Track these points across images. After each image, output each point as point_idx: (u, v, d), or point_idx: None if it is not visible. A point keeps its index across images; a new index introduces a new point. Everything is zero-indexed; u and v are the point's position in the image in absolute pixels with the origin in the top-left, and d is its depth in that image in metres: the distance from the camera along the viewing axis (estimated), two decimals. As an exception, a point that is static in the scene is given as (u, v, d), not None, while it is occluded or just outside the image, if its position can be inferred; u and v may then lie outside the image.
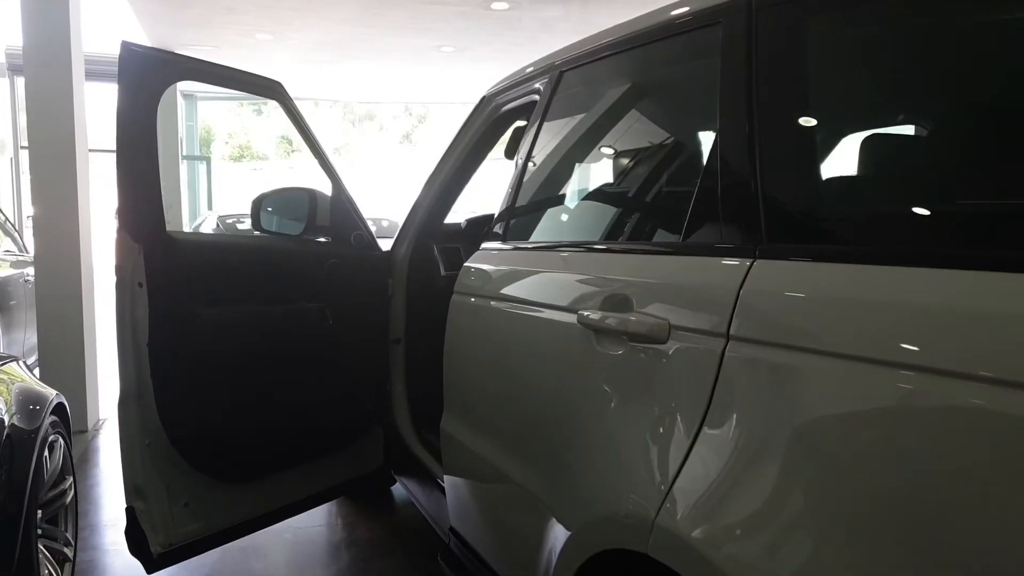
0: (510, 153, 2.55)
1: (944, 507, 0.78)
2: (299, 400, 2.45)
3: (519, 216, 1.97)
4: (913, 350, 0.83)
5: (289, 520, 2.58)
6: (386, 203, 12.96)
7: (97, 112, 5.19)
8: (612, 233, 1.66)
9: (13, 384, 2.25)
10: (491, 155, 2.77)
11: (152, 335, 2.07)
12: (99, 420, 4.69)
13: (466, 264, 2.06)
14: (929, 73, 1.06)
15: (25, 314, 4.93)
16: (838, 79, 1.19)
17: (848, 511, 0.87)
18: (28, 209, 4.26)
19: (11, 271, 4.93)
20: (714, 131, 1.26)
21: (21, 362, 2.57)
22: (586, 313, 1.38)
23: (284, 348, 2.39)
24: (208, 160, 15.42)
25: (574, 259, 1.60)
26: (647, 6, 1.59)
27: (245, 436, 2.33)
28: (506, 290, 1.81)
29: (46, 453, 2.19)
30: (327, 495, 2.68)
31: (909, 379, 0.83)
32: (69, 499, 2.43)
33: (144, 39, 8.22)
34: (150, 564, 2.14)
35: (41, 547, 2.18)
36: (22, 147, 9.51)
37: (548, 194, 1.99)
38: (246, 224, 10.80)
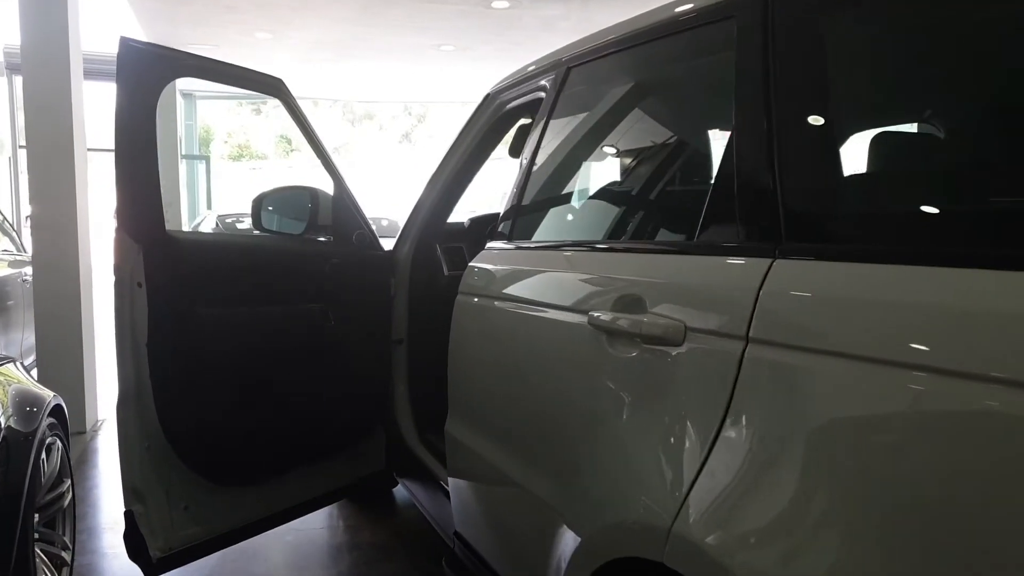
0: (514, 151, 2.51)
1: (977, 519, 0.75)
2: (300, 401, 2.41)
3: (526, 215, 1.93)
4: (945, 353, 0.79)
5: (290, 523, 2.55)
6: (386, 203, 12.93)
7: (96, 111, 5.16)
8: (622, 232, 1.63)
9: (9, 386, 2.21)
10: (491, 154, 2.74)
11: (151, 336, 2.04)
12: (98, 421, 4.65)
13: (471, 264, 2.03)
14: (956, 67, 1.02)
15: (23, 314, 4.90)
16: (859, 73, 1.15)
17: (876, 520, 0.84)
18: (27, 208, 4.22)
19: (9, 271, 4.90)
20: (729, 128, 1.23)
21: (18, 363, 2.53)
22: (596, 314, 1.35)
23: (285, 349, 2.36)
24: (207, 159, 15.39)
25: (583, 259, 1.57)
26: (647, 5, 1.56)
27: (246, 438, 2.29)
28: (512, 290, 1.77)
29: (43, 456, 2.15)
30: (329, 498, 2.65)
31: (942, 384, 0.79)
32: (67, 502, 2.40)
33: (143, 37, 8.17)
34: (149, 569, 2.11)
35: (38, 551, 2.15)
36: (20, 146, 9.47)
37: (556, 192, 1.95)
38: (245, 223, 10.77)
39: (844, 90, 1.15)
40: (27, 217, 4.25)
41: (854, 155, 1.11)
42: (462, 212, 3.05)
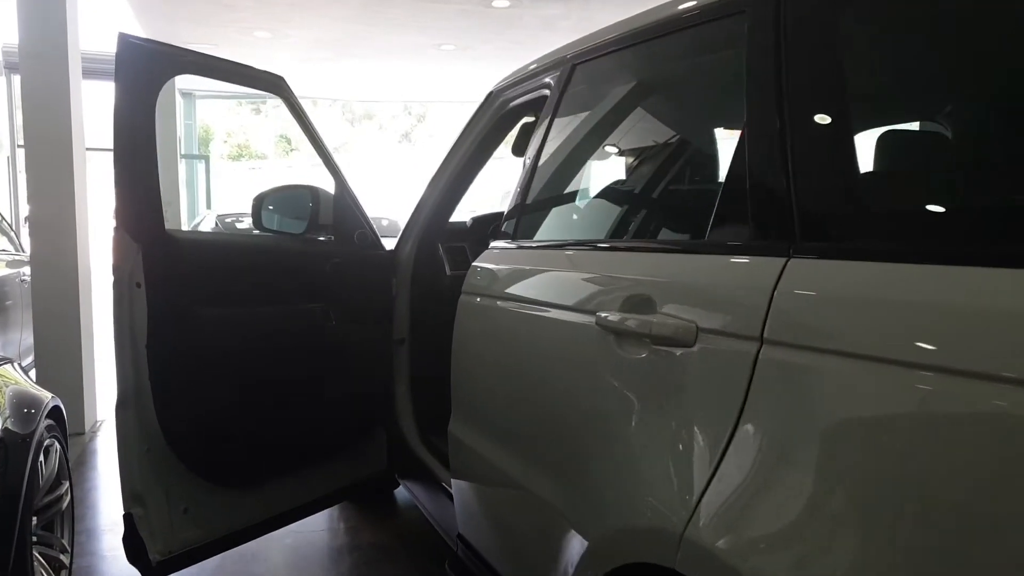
0: (518, 150, 2.49)
1: (1003, 529, 0.73)
2: (301, 402, 2.39)
3: (530, 214, 1.91)
4: (969, 354, 0.77)
5: (290, 524, 2.52)
6: (385, 202, 12.92)
7: (95, 110, 5.14)
8: (630, 231, 1.60)
9: (7, 387, 2.19)
10: (494, 153, 2.72)
11: (151, 336, 2.01)
12: (96, 422, 4.63)
13: (474, 264, 2.00)
14: (977, 61, 1.00)
15: (21, 314, 4.88)
16: (875, 68, 1.12)
17: (896, 527, 0.82)
18: (25, 208, 4.20)
19: (7, 271, 4.87)
20: (740, 125, 1.20)
21: (15, 364, 2.51)
22: (604, 314, 1.32)
23: (286, 349, 2.34)
24: (207, 159, 15.36)
25: (589, 258, 1.54)
26: (647, 4, 1.53)
27: (246, 440, 2.27)
28: (517, 290, 1.75)
29: (41, 458, 2.13)
30: (330, 499, 2.62)
31: (966, 386, 0.77)
32: (65, 504, 2.37)
33: (142, 36, 8.14)
34: (148, 572, 2.08)
35: (36, 554, 2.13)
36: (19, 145, 9.44)
37: (561, 191, 1.93)
38: (245, 223, 10.75)
39: (860, 85, 1.12)
40: (26, 218, 4.22)
41: (870, 152, 1.09)
42: (462, 212, 3.03)
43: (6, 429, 1.96)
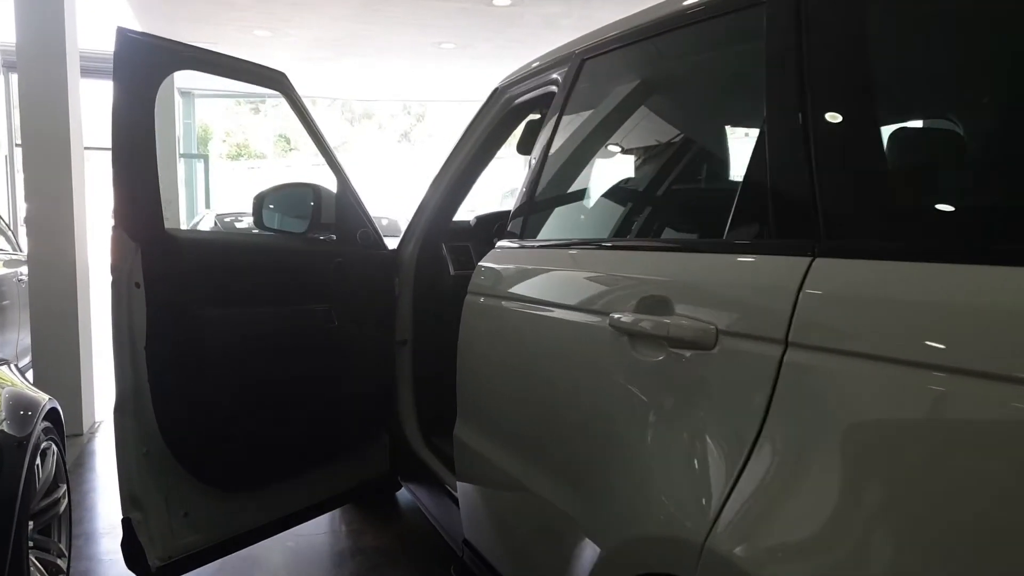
0: (523, 148, 2.45)
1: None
2: (303, 404, 2.35)
3: (538, 213, 1.87)
4: (1016, 358, 0.73)
5: (292, 528, 2.49)
6: (385, 202, 12.89)
7: (93, 110, 5.10)
8: (643, 230, 1.56)
9: (3, 389, 2.15)
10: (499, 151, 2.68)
11: (150, 337, 1.97)
12: (95, 423, 4.59)
13: (480, 264, 1.96)
14: (1016, 54, 0.96)
15: (19, 314, 4.84)
16: (903, 61, 1.08)
17: (931, 539, 0.78)
18: (23, 207, 4.18)
19: (5, 270, 4.84)
20: (759, 120, 1.16)
21: (12, 365, 2.47)
22: (618, 316, 1.28)
23: (288, 351, 2.30)
24: (206, 158, 15.30)
25: (602, 258, 1.50)
26: (648, 2, 1.49)
27: (247, 443, 2.23)
28: (526, 291, 1.71)
29: (38, 461, 2.09)
30: (332, 503, 2.59)
31: (1013, 393, 0.73)
32: (62, 508, 2.33)
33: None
34: (147, 578, 2.05)
35: (33, 559, 2.09)
36: (17, 145, 9.41)
37: (571, 189, 1.89)
38: (244, 222, 10.71)
39: (887, 78, 1.08)
40: (25, 219, 4.20)
41: (899, 147, 1.05)
42: (462, 212, 2.99)
43: (2, 432, 1.91)
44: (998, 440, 0.74)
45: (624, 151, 1.77)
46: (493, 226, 2.83)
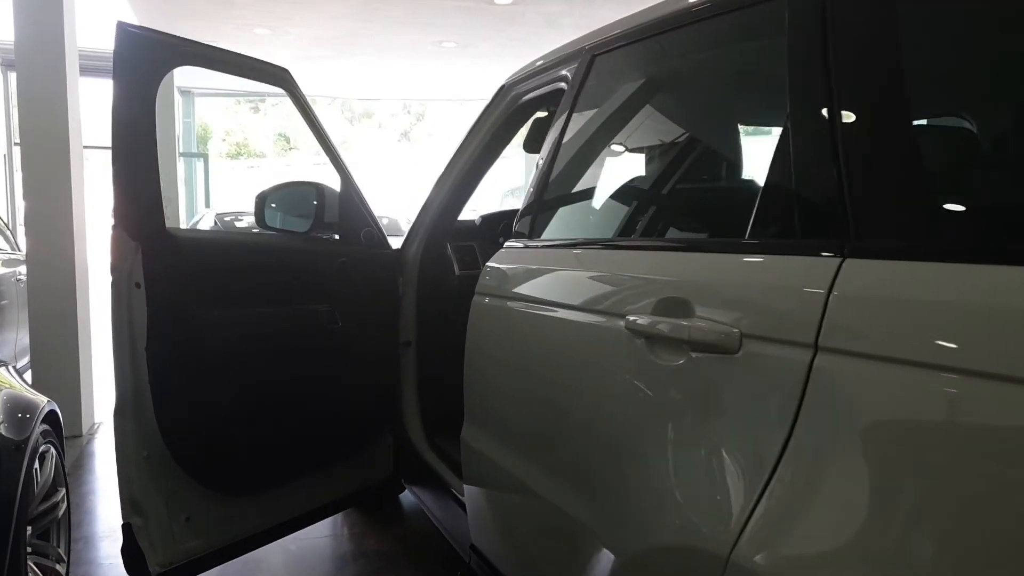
0: (530, 146, 2.41)
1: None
2: (306, 407, 2.31)
3: (549, 212, 1.83)
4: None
5: (295, 532, 2.45)
6: (385, 201, 12.85)
7: (92, 108, 5.07)
8: (660, 230, 1.52)
9: (1, 391, 2.11)
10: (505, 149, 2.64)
11: (150, 339, 1.93)
12: (94, 424, 4.55)
13: (488, 264, 1.92)
14: None
15: (17, 314, 4.80)
16: (934, 52, 1.04)
17: (971, 553, 0.74)
18: (22, 206, 4.17)
19: (3, 270, 4.80)
20: (783, 116, 1.12)
21: (10, 367, 2.43)
22: (634, 318, 1.24)
23: (290, 352, 2.26)
24: (205, 157, 15.25)
25: (616, 258, 1.45)
26: (650, 1, 1.45)
27: (250, 445, 2.19)
28: (537, 292, 1.67)
29: (36, 465, 2.05)
30: (336, 506, 2.55)
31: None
32: (61, 512, 2.29)
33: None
34: (148, 584, 2.01)
35: (31, 564, 2.05)
36: (15, 143, 9.37)
37: (583, 187, 1.84)
38: (244, 222, 10.67)
39: (921, 70, 1.03)
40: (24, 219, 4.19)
41: (934, 142, 1.00)
42: (464, 211, 2.95)
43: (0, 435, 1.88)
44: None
45: (638, 148, 1.73)
46: (499, 225, 2.80)
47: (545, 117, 2.38)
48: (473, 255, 2.74)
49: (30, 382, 3.94)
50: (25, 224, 4.24)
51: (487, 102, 2.38)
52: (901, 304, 0.86)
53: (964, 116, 1.01)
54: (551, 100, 2.05)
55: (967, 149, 1.00)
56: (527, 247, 1.82)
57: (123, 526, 1.98)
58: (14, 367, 2.49)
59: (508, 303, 1.77)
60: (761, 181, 1.16)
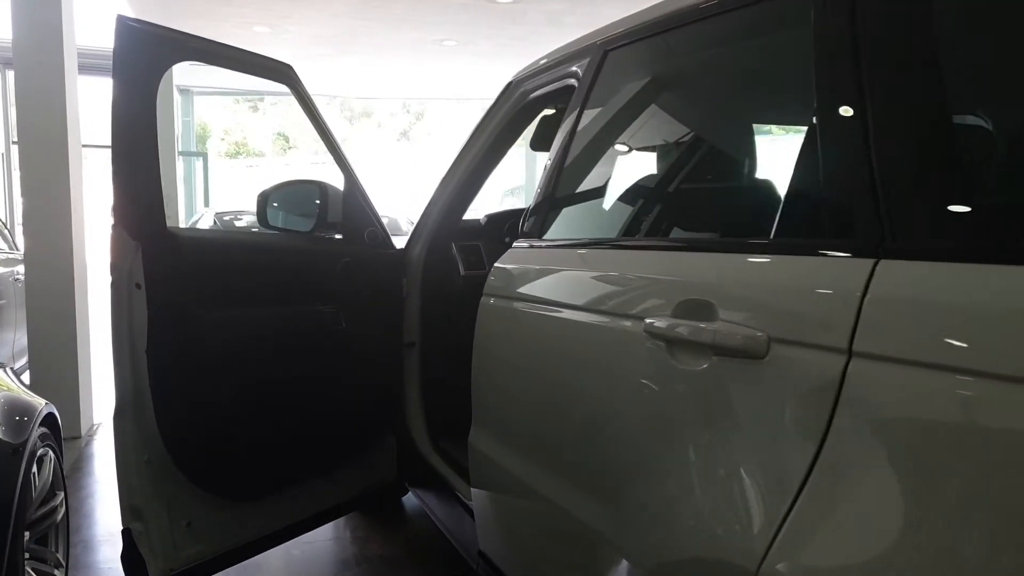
0: (537, 144, 2.37)
1: None
2: (309, 409, 2.27)
3: (560, 211, 1.78)
4: None
5: (298, 537, 2.41)
6: (384, 201, 12.81)
7: (92, 107, 5.03)
8: (680, 229, 1.47)
9: (-2, 393, 2.07)
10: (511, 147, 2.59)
11: (151, 340, 1.89)
12: (93, 425, 4.51)
13: (497, 264, 1.87)
14: None
15: (15, 314, 4.76)
16: (968, 38, 0.99)
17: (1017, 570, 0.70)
18: (20, 205, 4.16)
19: (1, 269, 4.76)
20: (811, 111, 1.08)
21: (7, 368, 2.39)
22: (653, 320, 1.20)
23: (293, 354, 2.22)
24: (204, 156, 15.20)
25: (633, 258, 1.41)
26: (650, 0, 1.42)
27: (252, 449, 2.15)
28: (549, 293, 1.62)
29: (34, 469, 2.01)
30: (339, 510, 2.51)
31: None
32: (60, 516, 2.25)
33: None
34: (148, 591, 1.97)
35: (29, 570, 2.00)
36: (13, 142, 9.32)
37: (596, 185, 1.80)
38: (243, 221, 10.64)
39: (959, 60, 0.98)
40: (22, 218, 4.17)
41: (976, 137, 0.96)
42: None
43: (-4, 439, 1.84)
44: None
45: (654, 146, 1.69)
46: (504, 225, 2.76)
47: (553, 115, 2.34)
48: (478, 255, 2.70)
49: (28, 383, 3.91)
50: (23, 223, 4.21)
51: (494, 99, 2.34)
52: (942, 308, 0.82)
53: (1011, 110, 0.96)
54: (560, 97, 2.01)
55: (1012, 145, 0.96)
56: (538, 247, 1.77)
57: (123, 532, 1.94)
58: (12, 368, 2.45)
59: (518, 304, 1.72)
60: (787, 179, 1.11)
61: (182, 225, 10.71)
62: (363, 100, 21.59)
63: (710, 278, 1.16)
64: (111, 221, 1.87)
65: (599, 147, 1.73)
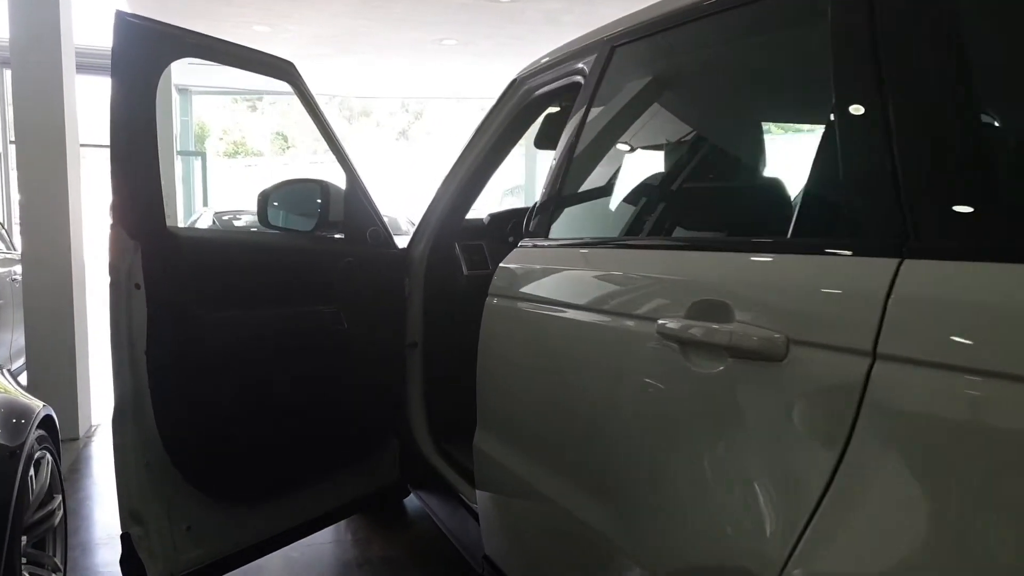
0: (542, 142, 2.34)
1: None
2: (312, 411, 2.25)
3: (568, 209, 1.75)
4: None
5: (300, 540, 2.38)
6: (384, 200, 12.77)
7: (90, 107, 5.00)
8: (694, 228, 1.44)
9: (-5, 396, 2.04)
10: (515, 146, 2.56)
11: (150, 342, 1.86)
12: (91, 426, 4.47)
13: (503, 264, 1.84)
14: None
15: (12, 314, 4.73)
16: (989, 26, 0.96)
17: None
18: (18, 205, 4.14)
19: (-2, 269, 4.73)
20: (829, 105, 1.05)
21: (4, 370, 2.35)
22: (666, 321, 1.17)
23: (295, 355, 2.19)
24: (203, 156, 15.15)
25: (646, 258, 1.37)
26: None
27: (253, 452, 2.12)
28: (557, 294, 1.59)
29: (31, 472, 1.98)
30: (341, 512, 2.48)
31: None
32: (57, 520, 2.22)
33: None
34: (148, 597, 1.94)
35: (26, 575, 1.97)
36: (11, 142, 9.28)
37: (605, 183, 1.76)
38: (242, 221, 10.61)
39: (983, 49, 0.95)
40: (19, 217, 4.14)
41: (1007, 128, 0.93)
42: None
43: (-7, 442, 1.81)
44: None
45: (666, 143, 1.66)
46: (508, 224, 2.73)
47: (558, 112, 2.31)
48: (482, 254, 2.67)
49: (25, 384, 3.87)
50: (21, 223, 4.17)
51: (497, 97, 2.31)
52: (971, 309, 0.79)
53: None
54: (565, 94, 1.98)
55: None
56: (544, 247, 1.74)
57: (122, 536, 1.91)
58: (9, 370, 2.42)
59: (525, 305, 1.69)
60: (804, 176, 1.08)
61: (181, 225, 10.67)
62: (362, 100, 21.56)
63: (725, 278, 1.13)
64: (110, 220, 1.84)
65: (607, 144, 1.70)
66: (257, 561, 2.56)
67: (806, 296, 0.98)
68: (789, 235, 1.08)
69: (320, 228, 2.34)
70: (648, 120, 1.66)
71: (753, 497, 0.99)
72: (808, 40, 1.20)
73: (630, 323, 1.29)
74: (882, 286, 0.86)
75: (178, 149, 11.87)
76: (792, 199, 1.09)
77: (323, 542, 2.91)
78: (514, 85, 2.24)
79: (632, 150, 1.72)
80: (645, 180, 1.65)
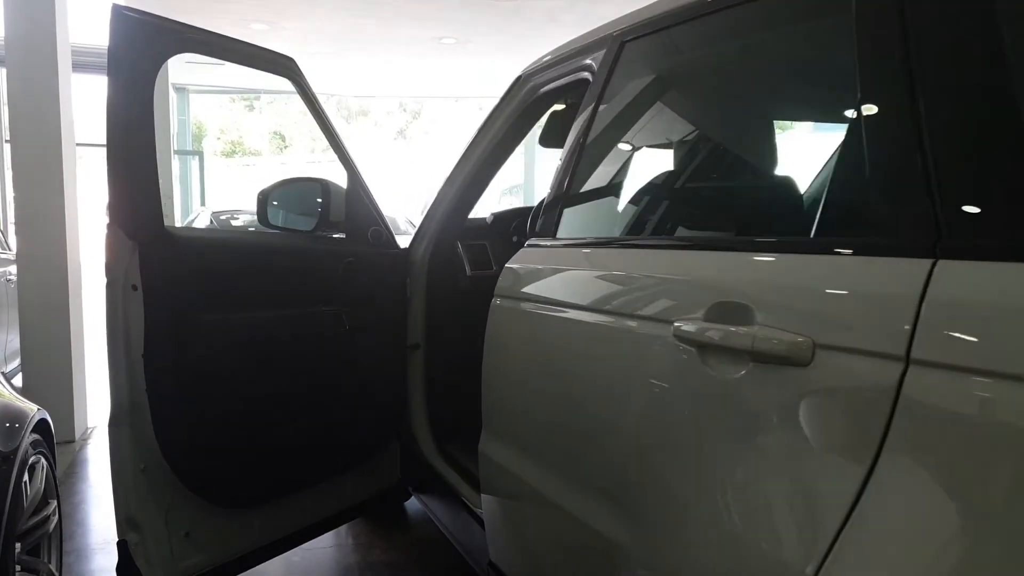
0: (547, 140, 2.30)
1: None
2: (312, 415, 2.20)
3: (576, 208, 1.71)
4: None
5: (300, 545, 2.34)
6: (382, 199, 12.73)
7: (86, 106, 4.96)
8: (712, 227, 1.40)
9: (-12, 399, 1.99)
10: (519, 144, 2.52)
11: (148, 344, 1.82)
12: (88, 429, 4.42)
13: (509, 264, 1.80)
14: None
15: (7, 315, 4.68)
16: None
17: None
18: (13, 205, 4.11)
19: (-7, 270, 4.68)
20: (854, 100, 1.01)
21: (-1, 373, 2.31)
22: (682, 324, 1.13)
23: (295, 357, 2.15)
24: (200, 155, 15.10)
25: (660, 258, 1.33)
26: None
27: (252, 456, 2.08)
28: (565, 295, 1.55)
29: (26, 477, 1.93)
30: (342, 517, 2.44)
31: None
32: (52, 526, 2.17)
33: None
34: (145, 605, 1.89)
35: (21, 582, 1.93)
36: (6, 141, 9.23)
37: (615, 181, 1.72)
38: (240, 220, 10.56)
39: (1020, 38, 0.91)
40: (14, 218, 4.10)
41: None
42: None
43: (-14, 447, 1.76)
44: None
45: (679, 140, 1.61)
46: (511, 224, 2.69)
47: (564, 109, 2.27)
48: (485, 255, 2.63)
49: (20, 386, 3.83)
50: (16, 223, 4.13)
51: (502, 94, 2.27)
52: (1008, 312, 0.75)
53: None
54: (572, 91, 1.94)
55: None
56: (552, 246, 1.70)
57: (118, 543, 1.87)
58: (3, 372, 2.37)
59: (532, 307, 1.65)
60: (829, 173, 1.05)
61: (178, 225, 10.62)
62: (360, 99, 21.51)
63: (746, 279, 1.09)
64: (107, 220, 1.80)
65: (617, 141, 1.66)
66: (257, 567, 2.52)
67: (833, 298, 0.94)
68: (813, 235, 1.04)
69: (321, 228, 2.30)
70: (660, 116, 1.62)
71: (776, 510, 0.95)
72: (831, 33, 1.16)
73: (644, 326, 1.25)
74: (915, 288, 0.82)
75: (175, 148, 11.81)
76: (814, 197, 1.05)
77: (324, 546, 2.87)
78: (519, 82, 2.20)
79: (644, 147, 1.68)
80: (658, 178, 1.61)
